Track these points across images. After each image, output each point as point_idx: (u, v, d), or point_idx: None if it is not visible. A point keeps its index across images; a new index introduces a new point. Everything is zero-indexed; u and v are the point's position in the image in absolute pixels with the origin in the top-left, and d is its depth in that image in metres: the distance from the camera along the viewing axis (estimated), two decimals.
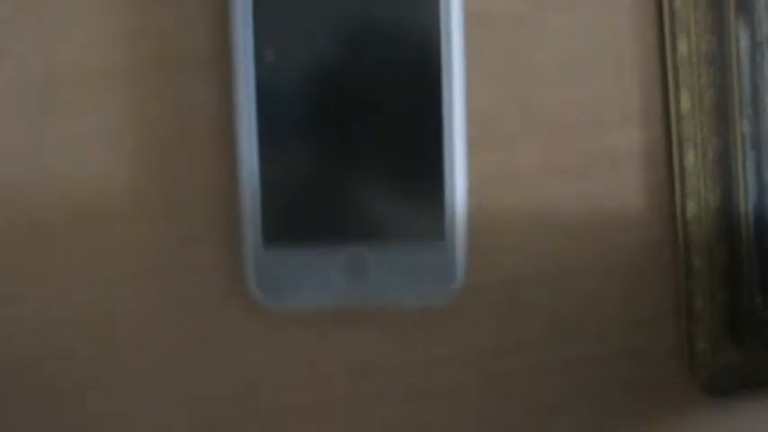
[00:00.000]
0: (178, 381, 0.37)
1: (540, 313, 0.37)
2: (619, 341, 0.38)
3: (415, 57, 0.35)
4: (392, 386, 0.37)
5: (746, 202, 0.37)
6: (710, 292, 0.37)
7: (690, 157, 0.37)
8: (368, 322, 0.37)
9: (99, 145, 0.36)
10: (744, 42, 0.36)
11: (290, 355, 0.37)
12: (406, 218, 0.35)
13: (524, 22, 0.37)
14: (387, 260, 0.35)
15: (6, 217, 0.36)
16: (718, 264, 0.37)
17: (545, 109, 0.37)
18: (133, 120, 0.36)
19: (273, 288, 0.35)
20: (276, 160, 0.35)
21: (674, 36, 0.36)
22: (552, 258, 0.37)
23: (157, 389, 0.37)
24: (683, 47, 0.36)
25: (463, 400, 0.37)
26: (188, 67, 0.36)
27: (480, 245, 0.37)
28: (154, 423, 0.37)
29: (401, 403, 0.37)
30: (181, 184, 0.36)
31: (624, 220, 0.37)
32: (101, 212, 0.36)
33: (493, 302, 0.37)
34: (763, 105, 0.36)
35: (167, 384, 0.37)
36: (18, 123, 0.36)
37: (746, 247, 0.37)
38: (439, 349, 0.37)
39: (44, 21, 0.36)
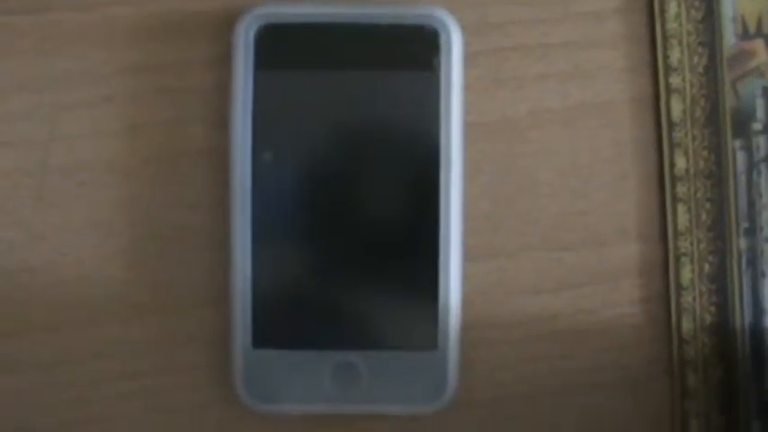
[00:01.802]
0: None
1: (532, 429, 0.37)
2: None
3: (414, 166, 0.34)
4: None
5: (742, 319, 0.36)
6: (706, 413, 0.36)
7: (686, 273, 0.37)
8: (356, 429, 0.36)
9: (91, 239, 0.36)
10: (741, 160, 0.36)
11: None
12: (398, 326, 0.35)
13: (525, 135, 0.37)
14: (378, 368, 0.35)
15: None
16: (713, 383, 0.37)
17: (543, 222, 0.37)
18: (127, 215, 0.36)
19: (261, 391, 0.35)
20: (269, 262, 0.34)
21: (672, 151, 0.36)
22: (546, 374, 0.37)
23: None
24: (680, 162, 0.36)
25: None
26: (185, 165, 0.36)
27: (473, 357, 0.36)
28: None
29: None
30: (172, 282, 0.36)
31: (620, 337, 0.37)
32: (90, 309, 0.36)
33: (484, 415, 0.37)
34: (760, 222, 0.36)
35: None
36: (9, 214, 0.36)
37: (742, 367, 0.36)
38: None
39: (43, 111, 0.36)
